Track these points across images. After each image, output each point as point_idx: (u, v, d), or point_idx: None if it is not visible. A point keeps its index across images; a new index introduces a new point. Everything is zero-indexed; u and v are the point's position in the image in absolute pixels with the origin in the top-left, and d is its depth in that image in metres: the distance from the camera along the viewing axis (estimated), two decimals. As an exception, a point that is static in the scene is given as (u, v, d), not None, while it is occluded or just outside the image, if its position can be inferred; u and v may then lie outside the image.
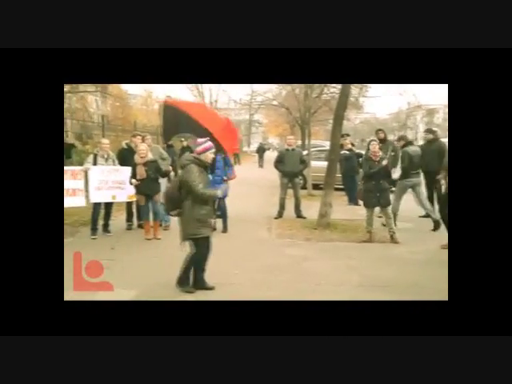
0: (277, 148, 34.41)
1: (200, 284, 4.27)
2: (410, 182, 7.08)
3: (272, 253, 5.80)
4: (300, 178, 8.58)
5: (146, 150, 6.36)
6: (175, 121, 6.26)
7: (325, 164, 7.99)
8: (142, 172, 6.23)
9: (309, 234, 6.81)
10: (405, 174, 6.98)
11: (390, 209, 6.39)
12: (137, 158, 6.31)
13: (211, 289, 4.26)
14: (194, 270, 4.27)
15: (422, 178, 7.39)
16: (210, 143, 4.28)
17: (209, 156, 4.23)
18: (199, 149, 4.21)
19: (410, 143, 7.41)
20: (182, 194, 4.12)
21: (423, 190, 7.42)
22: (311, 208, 8.19)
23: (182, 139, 13.91)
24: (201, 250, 4.18)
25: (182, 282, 4.25)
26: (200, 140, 4.31)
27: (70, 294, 3.21)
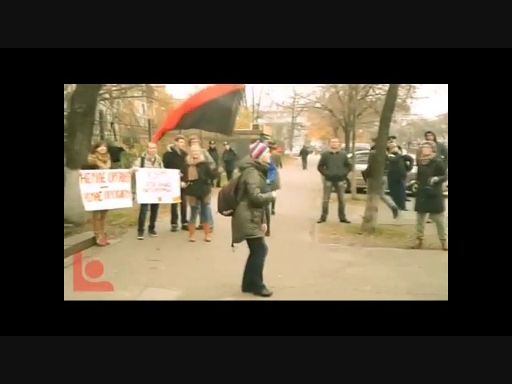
0: (319, 151, 34.06)
1: (255, 289, 4.23)
2: None
3: (315, 257, 5.71)
4: (344, 181, 8.44)
5: (198, 152, 6.47)
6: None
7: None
8: (193, 173, 6.34)
9: (353, 238, 6.66)
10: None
11: (442, 215, 6.10)
12: (189, 159, 6.43)
13: (268, 295, 4.19)
14: (248, 274, 4.25)
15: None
16: (262, 144, 4.31)
17: (266, 156, 4.27)
18: (255, 153, 4.23)
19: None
20: (238, 195, 4.15)
21: None
22: (355, 212, 8.02)
23: (225, 143, 14.05)
24: (257, 253, 4.18)
25: (251, 287, 4.25)
26: (252, 146, 4.32)
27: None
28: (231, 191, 4.21)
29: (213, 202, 5.65)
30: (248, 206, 4.11)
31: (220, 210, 4.36)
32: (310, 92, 17.36)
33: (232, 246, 4.20)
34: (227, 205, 4.24)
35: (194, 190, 6.46)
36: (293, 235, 6.91)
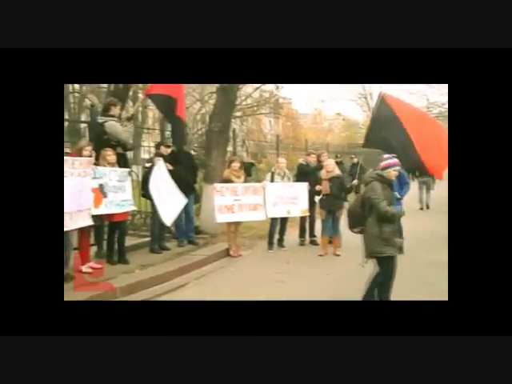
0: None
1: None
2: None
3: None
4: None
5: (333, 166, 6.47)
6: (384, 126, 4.97)
7: None
8: (326, 187, 6.36)
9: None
10: None
11: None
12: (323, 173, 6.46)
13: None
14: (377, 291, 4.08)
15: None
16: (394, 160, 4.09)
17: (392, 173, 4.04)
18: (383, 164, 4.07)
19: None
20: (366, 211, 4.02)
21: None
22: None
23: (353, 156, 13.75)
24: (384, 270, 3.98)
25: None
26: (385, 155, 4.17)
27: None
28: (357, 207, 4.08)
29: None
30: (376, 222, 3.89)
31: (350, 227, 4.23)
32: (445, 101, 16.15)
33: (362, 261, 4.04)
34: (356, 222, 4.10)
35: (326, 205, 6.44)
36: (427, 254, 6.39)
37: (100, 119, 5.49)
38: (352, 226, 4.15)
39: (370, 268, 4.04)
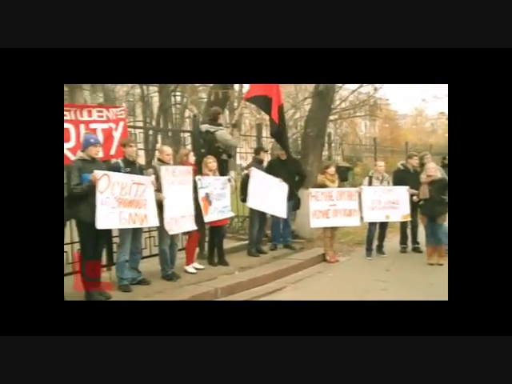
0: None
1: None
2: None
3: None
4: None
5: (434, 169, 6.12)
6: None
7: None
8: (424, 191, 6.07)
9: None
10: None
11: None
12: (423, 177, 6.15)
13: None
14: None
15: None
16: None
17: None
18: None
19: None
20: None
21: None
22: None
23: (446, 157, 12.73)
24: None
25: None
26: None
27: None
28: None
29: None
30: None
31: None
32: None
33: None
34: None
35: (425, 210, 6.09)
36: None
37: (211, 128, 5.85)
38: None
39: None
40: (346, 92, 13.95)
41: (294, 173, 6.61)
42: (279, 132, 6.39)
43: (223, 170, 5.83)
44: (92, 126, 4.82)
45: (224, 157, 5.90)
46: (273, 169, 6.45)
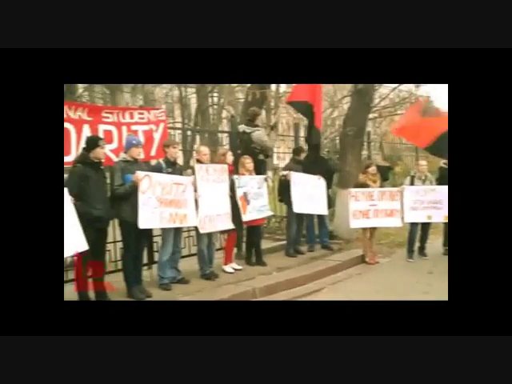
0: None
1: None
2: None
3: None
4: None
5: None
6: None
7: None
8: None
9: None
10: None
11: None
12: None
13: None
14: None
15: None
16: None
17: None
18: None
19: None
20: None
21: None
22: None
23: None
24: None
25: None
26: None
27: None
28: None
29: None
30: None
31: None
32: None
33: None
34: None
35: None
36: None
37: (247, 129, 5.90)
38: None
39: None
40: (387, 90, 13.62)
41: (323, 171, 6.47)
42: (311, 131, 6.38)
43: (260, 170, 5.85)
44: (134, 127, 4.96)
45: (261, 157, 5.93)
46: (304, 169, 6.38)
